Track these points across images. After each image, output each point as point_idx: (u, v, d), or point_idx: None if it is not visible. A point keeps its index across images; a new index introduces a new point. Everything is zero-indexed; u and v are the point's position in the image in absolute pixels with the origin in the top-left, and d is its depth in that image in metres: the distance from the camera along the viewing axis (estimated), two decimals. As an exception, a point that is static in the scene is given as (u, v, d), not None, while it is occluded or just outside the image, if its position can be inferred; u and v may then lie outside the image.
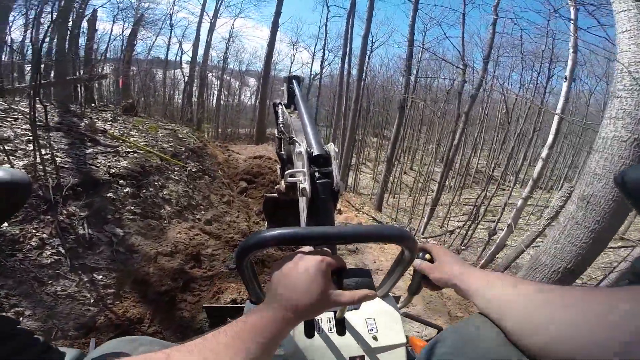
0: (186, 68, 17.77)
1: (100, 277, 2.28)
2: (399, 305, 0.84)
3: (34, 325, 1.68)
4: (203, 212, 4.03)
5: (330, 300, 0.51)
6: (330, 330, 0.78)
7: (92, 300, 2.04)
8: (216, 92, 25.26)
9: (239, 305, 1.18)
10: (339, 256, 0.59)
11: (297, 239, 0.56)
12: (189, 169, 4.52)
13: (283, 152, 1.52)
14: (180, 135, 5.47)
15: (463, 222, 13.54)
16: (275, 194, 1.28)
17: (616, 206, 2.34)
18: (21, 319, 1.66)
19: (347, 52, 12.50)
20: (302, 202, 0.99)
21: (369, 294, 0.56)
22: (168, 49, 16.85)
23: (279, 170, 1.65)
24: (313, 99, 19.97)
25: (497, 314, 0.50)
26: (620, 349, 0.33)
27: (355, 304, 0.59)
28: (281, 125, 1.50)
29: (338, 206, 6.47)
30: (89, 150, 3.48)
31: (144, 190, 3.44)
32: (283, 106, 1.70)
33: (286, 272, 0.52)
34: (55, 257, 2.11)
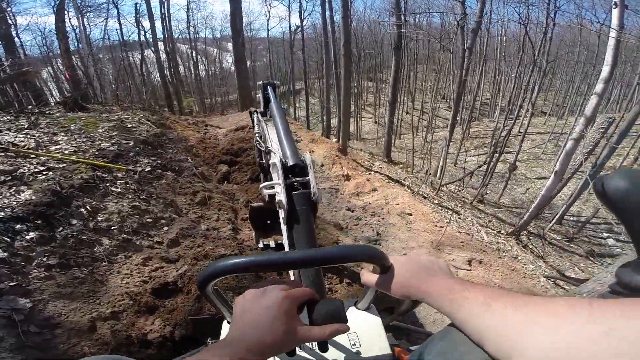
0: (160, 45, 15.83)
1: None
2: (389, 321, 0.80)
3: None
4: (165, 229, 2.92)
5: (297, 337, 0.49)
6: (312, 347, 0.75)
7: None
8: (192, 64, 23.07)
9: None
10: (307, 287, 0.56)
11: (253, 267, 0.54)
12: (139, 170, 3.32)
13: (263, 161, 1.48)
14: (129, 125, 4.19)
15: (481, 159, 12.37)
16: (261, 203, 1.18)
17: None
18: None
19: (326, -4, 10.62)
20: (281, 214, 1.06)
21: (340, 328, 0.52)
22: (121, 29, 14.87)
23: (261, 179, 1.66)
24: (299, 52, 18.19)
25: (475, 337, 0.43)
26: None
27: (327, 339, 0.53)
28: (257, 134, 1.57)
29: (345, 171, 5.40)
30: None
31: (61, 228, 2.29)
32: (259, 114, 1.83)
33: (248, 307, 0.50)
34: None
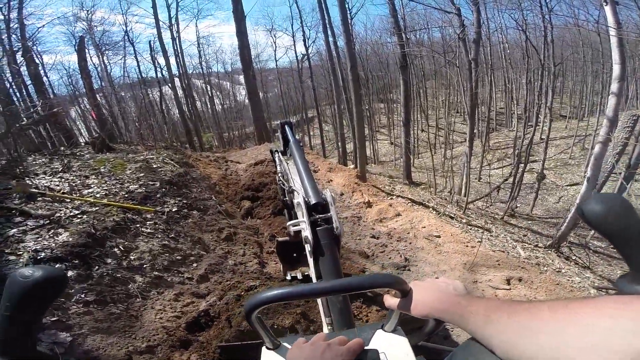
0: (176, 82, 16.81)
1: None
2: (416, 341, 0.84)
3: None
4: (195, 265, 2.99)
5: None
6: None
7: None
8: (208, 99, 24.17)
9: (252, 342, 1.08)
10: (358, 339, 0.65)
11: (292, 296, 0.65)
12: (167, 210, 3.46)
13: (287, 198, 1.58)
14: (154, 166, 4.42)
15: (506, 171, 12.11)
16: (287, 238, 1.41)
17: None
18: None
19: (327, 23, 11.10)
20: (307, 249, 1.12)
21: None
22: (139, 67, 15.86)
23: (286, 215, 1.82)
24: (308, 80, 18.81)
25: (485, 345, 0.49)
26: None
27: None
28: (280, 174, 1.72)
29: (365, 198, 5.42)
30: (13, 231, 2.47)
31: (97, 267, 2.41)
32: (280, 154, 1.92)
33: (311, 356, 0.59)
34: None
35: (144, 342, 2.08)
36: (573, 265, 4.89)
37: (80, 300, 2.17)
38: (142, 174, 4.01)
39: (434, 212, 5.50)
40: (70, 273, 2.27)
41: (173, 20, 15.76)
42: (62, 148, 5.40)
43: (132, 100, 19.94)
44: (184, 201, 3.84)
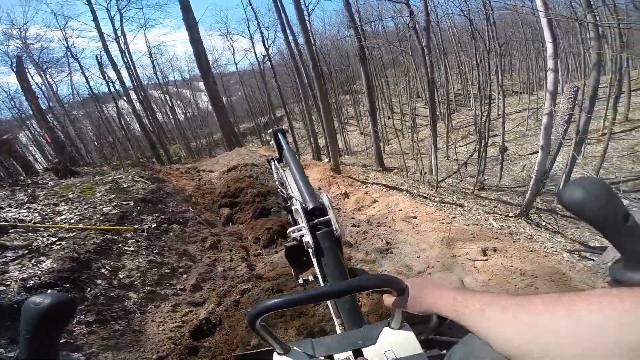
0: (132, 94, 16.15)
1: None
2: (424, 336, 0.87)
3: None
4: (185, 277, 3.04)
5: None
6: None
7: None
8: (169, 109, 23.46)
9: (267, 349, 0.97)
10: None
11: (290, 304, 0.67)
12: (146, 227, 3.47)
13: (288, 204, 1.60)
14: (125, 185, 4.36)
15: (471, 148, 12.77)
16: (294, 242, 1.29)
17: None
18: None
19: (285, 22, 11.16)
20: (311, 253, 1.15)
21: None
22: (88, 83, 15.14)
23: (290, 220, 1.72)
24: (272, 80, 18.74)
25: (483, 339, 0.49)
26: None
27: None
28: (277, 182, 1.79)
29: (342, 189, 5.61)
30: (-9, 265, 2.42)
31: (89, 289, 2.42)
32: (275, 162, 1.98)
33: None
34: None
35: (153, 354, 2.14)
36: (544, 231, 5.28)
37: (82, 322, 2.20)
38: (113, 195, 3.96)
39: (408, 194, 5.80)
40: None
41: (119, 32, 15.13)
42: (20, 178, 5.15)
43: (86, 119, 18.96)
44: (162, 216, 3.84)
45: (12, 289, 2.25)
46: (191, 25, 10.54)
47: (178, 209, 4.25)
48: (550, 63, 4.43)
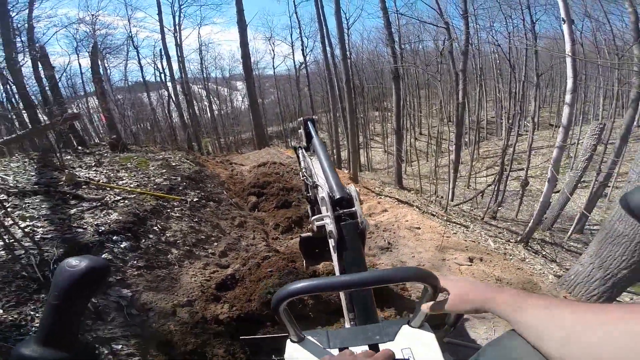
0: (171, 86, 17.49)
1: (119, 346, 1.98)
2: (442, 336, 0.86)
3: None
4: (215, 244, 3.68)
5: None
6: None
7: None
8: (207, 105, 24.91)
9: (276, 335, 1.16)
10: (388, 350, 0.62)
11: (320, 289, 0.68)
12: (190, 200, 4.16)
13: (310, 194, 1.62)
14: (173, 164, 5.11)
15: (492, 179, 12.96)
16: (310, 233, 1.34)
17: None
18: None
19: (325, 34, 11.92)
20: (331, 243, 1.10)
21: None
22: (142, 71, 16.56)
23: (309, 211, 1.80)
24: (305, 88, 19.63)
25: (534, 336, 0.50)
26: None
27: None
28: (303, 169, 1.67)
29: (383, 204, 6.01)
30: (73, 210, 3.14)
31: (144, 240, 3.09)
32: (303, 150, 1.90)
33: None
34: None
35: (184, 297, 2.75)
36: (540, 257, 5.57)
37: (134, 266, 2.83)
38: (164, 170, 4.70)
39: (418, 209, 6.25)
40: (124, 244, 2.95)
41: (177, 27, 16.55)
42: (79, 148, 6.04)
43: (128, 104, 20.55)
44: (202, 193, 4.54)
45: (88, 232, 2.94)
46: (242, 29, 11.55)
47: (214, 190, 4.94)
48: (567, 97, 4.77)
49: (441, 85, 14.92)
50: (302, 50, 18.93)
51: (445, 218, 5.95)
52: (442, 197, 10.05)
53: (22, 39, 9.59)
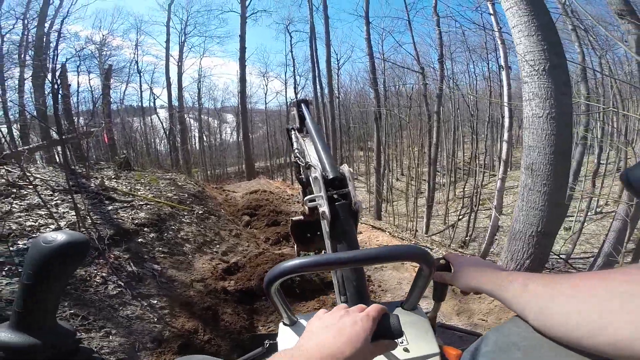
0: (161, 113, 18.66)
1: (155, 301, 2.87)
2: (428, 314, 0.86)
3: (120, 340, 2.25)
4: (218, 246, 4.63)
5: (369, 352, 0.54)
6: None
7: (155, 319, 2.62)
8: (197, 134, 26.09)
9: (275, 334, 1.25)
10: (377, 304, 0.61)
11: (314, 266, 0.66)
12: (196, 212, 5.14)
13: (302, 176, 1.54)
14: (179, 183, 6.12)
15: (462, 215, 14.28)
16: (301, 217, 1.35)
17: (553, 170, 2.95)
18: (110, 337, 2.24)
19: (317, 75, 13.59)
20: (324, 225, 1.07)
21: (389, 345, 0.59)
22: (141, 96, 17.68)
23: (300, 194, 1.72)
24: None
25: (518, 311, 0.56)
26: None
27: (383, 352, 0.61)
28: (296, 150, 1.61)
29: (359, 228, 6.98)
30: (110, 207, 4.10)
31: (165, 234, 4.05)
32: (296, 131, 1.86)
33: (331, 322, 0.57)
34: (118, 290, 2.71)
35: (198, 276, 3.68)
36: None
37: (160, 251, 3.78)
38: (173, 187, 5.70)
39: (389, 235, 7.34)
40: (152, 234, 3.90)
41: (180, 55, 17.93)
42: (87, 164, 6.95)
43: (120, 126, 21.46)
44: (205, 208, 5.53)
45: (127, 222, 3.90)
46: (243, 65, 13.10)
47: (214, 207, 5.94)
48: (505, 135, 6.07)
49: (420, 125, 16.55)
50: (294, 87, 20.58)
51: (413, 242, 7.04)
52: (416, 230, 11.20)
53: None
